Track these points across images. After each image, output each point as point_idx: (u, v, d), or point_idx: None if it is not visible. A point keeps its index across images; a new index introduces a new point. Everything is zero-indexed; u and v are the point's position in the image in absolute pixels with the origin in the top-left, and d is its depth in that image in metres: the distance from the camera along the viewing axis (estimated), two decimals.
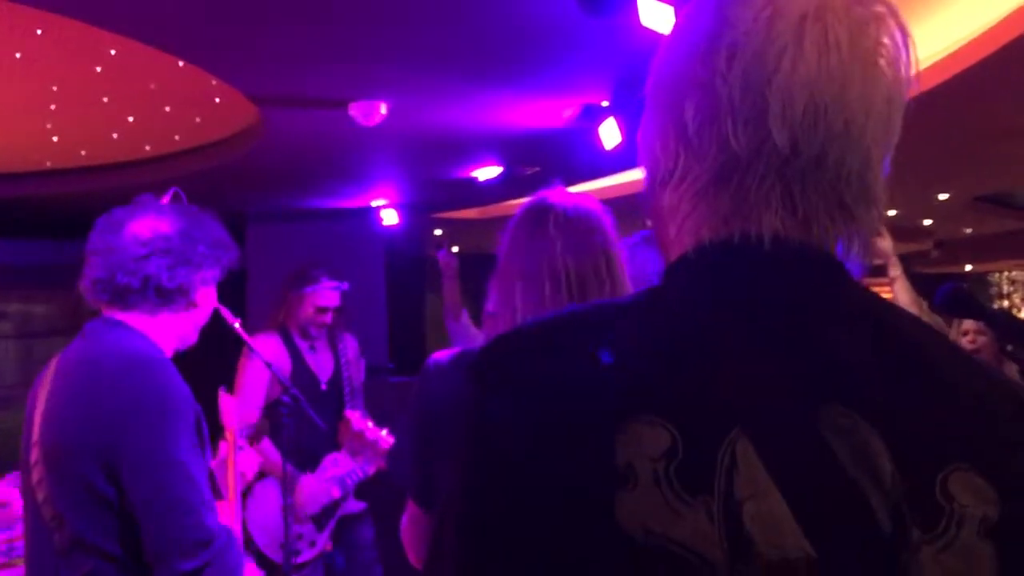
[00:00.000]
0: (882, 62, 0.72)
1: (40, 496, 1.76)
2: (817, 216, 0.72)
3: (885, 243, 3.89)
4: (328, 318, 3.84)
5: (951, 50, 5.26)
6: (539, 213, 1.63)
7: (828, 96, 0.69)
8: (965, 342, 4.73)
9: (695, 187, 0.75)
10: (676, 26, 0.79)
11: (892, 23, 0.73)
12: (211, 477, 1.87)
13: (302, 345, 3.83)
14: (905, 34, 0.74)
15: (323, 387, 3.82)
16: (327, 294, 3.84)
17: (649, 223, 0.84)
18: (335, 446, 3.55)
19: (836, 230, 0.73)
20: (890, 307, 0.75)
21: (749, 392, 0.67)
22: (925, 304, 3.65)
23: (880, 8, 0.73)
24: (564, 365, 0.70)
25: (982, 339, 4.69)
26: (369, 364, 6.81)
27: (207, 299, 1.96)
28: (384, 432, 2.97)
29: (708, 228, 0.75)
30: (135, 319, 1.88)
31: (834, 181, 0.71)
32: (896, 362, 0.70)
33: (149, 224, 1.87)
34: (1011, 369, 4.31)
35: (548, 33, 3.87)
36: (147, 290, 1.85)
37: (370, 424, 2.97)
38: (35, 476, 1.78)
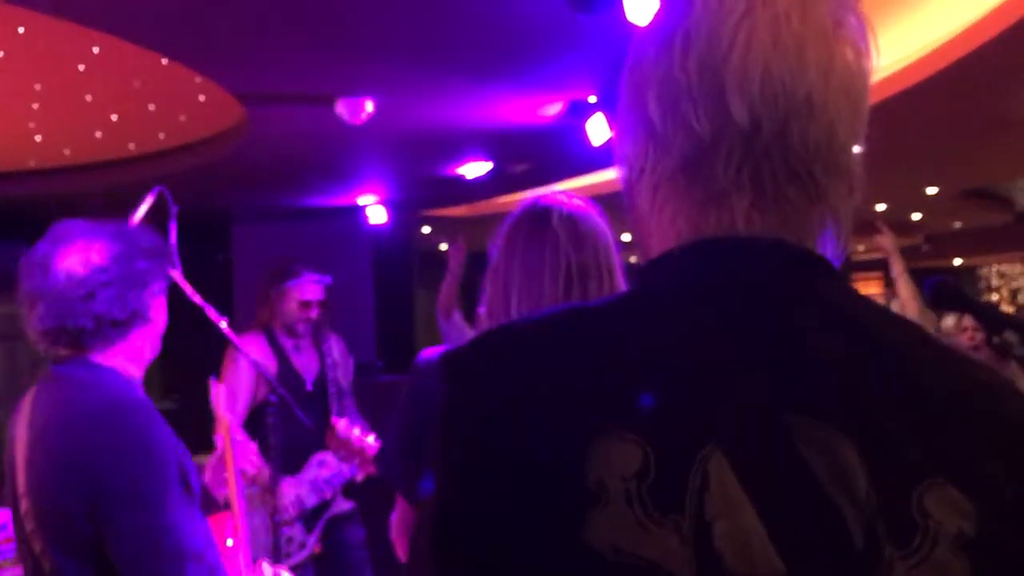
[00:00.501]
0: (840, 35, 0.71)
1: (36, 548, 1.72)
2: (789, 195, 0.71)
3: (886, 240, 3.88)
4: (313, 313, 3.82)
5: (938, 44, 5.28)
6: (541, 212, 1.64)
7: (785, 69, 0.69)
8: (964, 339, 4.74)
9: (666, 178, 0.74)
10: (636, 36, 0.79)
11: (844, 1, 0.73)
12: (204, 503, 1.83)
13: (287, 345, 3.81)
14: (858, 11, 0.73)
15: (308, 387, 3.80)
16: (309, 287, 3.82)
17: (628, 225, 0.82)
18: (322, 446, 3.52)
19: (810, 211, 0.72)
20: (868, 306, 0.73)
21: (724, 405, 0.65)
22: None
23: None
24: (538, 372, 0.69)
25: (981, 336, 4.69)
26: (357, 363, 6.78)
27: (159, 310, 1.91)
28: (371, 439, 2.95)
29: (684, 220, 0.74)
30: (98, 355, 1.82)
31: (800, 153, 0.70)
32: (874, 369, 0.67)
33: (79, 259, 1.79)
34: (1012, 367, 4.29)
35: (535, 29, 3.87)
36: (103, 327, 1.78)
37: (356, 431, 2.95)
38: (28, 527, 1.74)
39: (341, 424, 3.04)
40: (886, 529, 0.62)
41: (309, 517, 3.50)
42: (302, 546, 3.38)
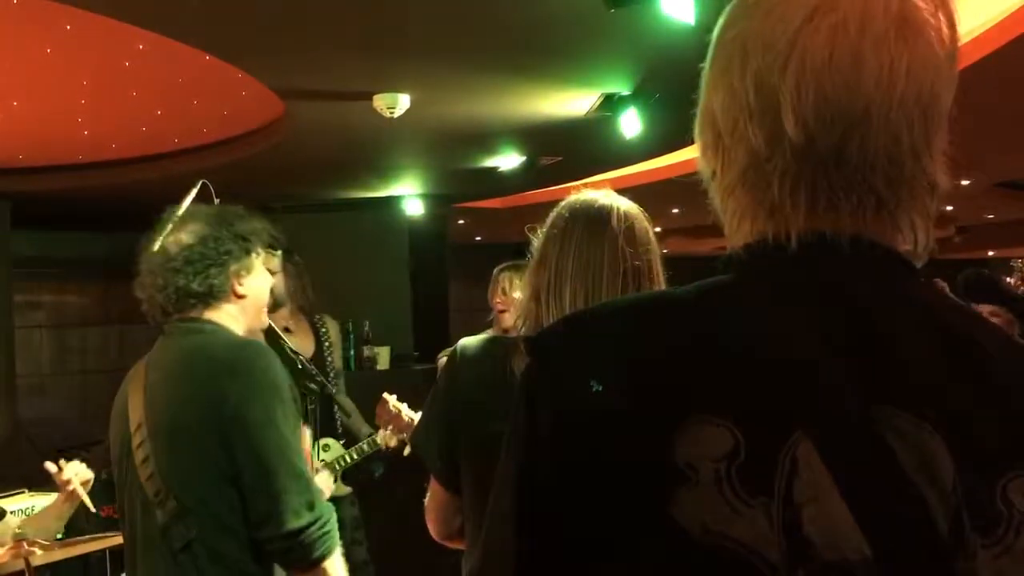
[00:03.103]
0: (907, 34, 0.69)
1: (144, 475, 1.91)
2: (845, 206, 0.71)
3: None
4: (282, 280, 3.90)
5: (972, 36, 5.25)
6: (600, 210, 1.71)
7: (840, 85, 0.68)
8: None
9: (731, 185, 0.76)
10: (712, 42, 0.79)
11: None
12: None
13: (279, 326, 3.89)
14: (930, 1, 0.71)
15: (299, 363, 3.88)
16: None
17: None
18: (328, 430, 3.67)
19: (873, 217, 0.72)
20: (949, 303, 0.74)
21: (811, 394, 0.66)
22: None
23: None
24: (625, 353, 0.70)
25: (1011, 331, 4.70)
26: (395, 352, 6.90)
27: (254, 286, 2.12)
28: (419, 415, 3.07)
29: (750, 222, 0.75)
30: (200, 315, 2.07)
31: (859, 167, 0.70)
32: (957, 364, 0.69)
33: (174, 239, 2.07)
34: None
35: (569, 23, 3.91)
36: (185, 296, 2.03)
37: (405, 406, 3.12)
38: (139, 457, 1.91)
39: (392, 399, 3.19)
40: (971, 519, 0.64)
41: None
42: None
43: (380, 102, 4.88)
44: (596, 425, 0.67)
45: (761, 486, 0.64)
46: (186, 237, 2.07)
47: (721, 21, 0.78)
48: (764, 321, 0.70)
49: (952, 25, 0.71)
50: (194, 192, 2.98)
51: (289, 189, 7.75)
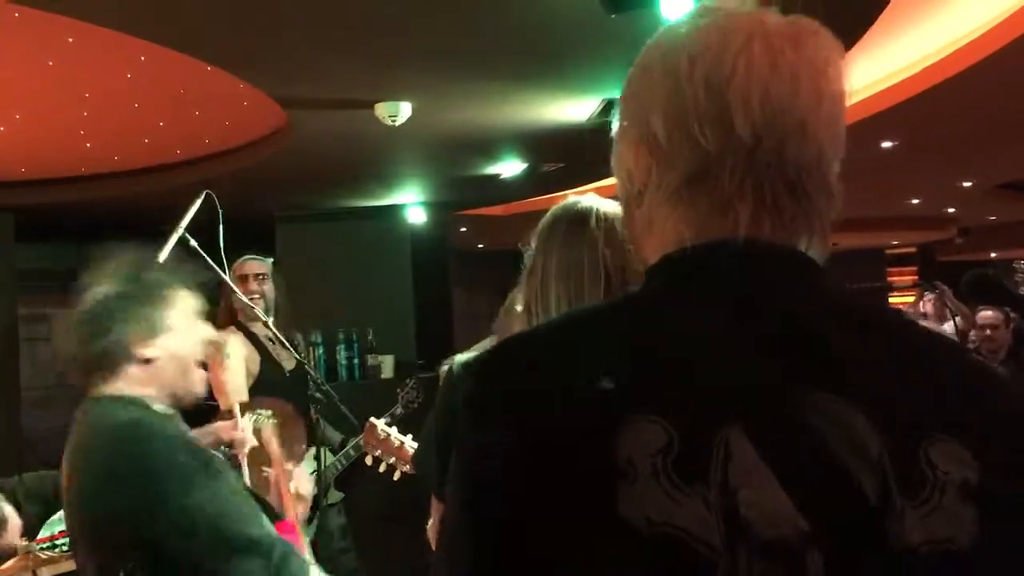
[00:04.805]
0: (828, 72, 0.79)
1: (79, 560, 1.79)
2: (784, 205, 0.78)
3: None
4: (264, 285, 3.92)
5: (974, 37, 5.26)
6: (580, 212, 1.68)
7: (783, 92, 0.77)
8: (982, 336, 4.74)
9: (671, 192, 0.80)
10: (637, 62, 0.87)
11: (826, 37, 0.81)
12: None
13: (261, 335, 3.90)
14: (838, 47, 0.81)
15: (287, 375, 3.91)
16: (251, 263, 3.95)
17: (626, 240, 0.90)
18: (316, 438, 3.68)
19: (802, 223, 0.79)
20: (858, 297, 0.81)
21: (740, 385, 0.72)
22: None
23: (812, 26, 0.81)
24: (564, 367, 0.74)
25: (1000, 333, 4.70)
26: (398, 360, 6.90)
27: (170, 346, 1.88)
28: (408, 438, 3.06)
29: (689, 228, 0.80)
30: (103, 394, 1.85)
31: (797, 170, 0.77)
32: (872, 346, 0.76)
33: (80, 303, 1.88)
34: None
35: (570, 29, 3.92)
36: (87, 366, 1.84)
37: (394, 431, 3.07)
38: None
39: (380, 423, 3.14)
40: (897, 484, 0.70)
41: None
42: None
43: (382, 110, 4.89)
44: (541, 440, 0.71)
45: (697, 475, 0.68)
46: (88, 298, 1.86)
47: (652, 42, 0.85)
48: (694, 322, 0.75)
49: (847, 72, 0.81)
50: (198, 203, 2.99)
51: (292, 198, 7.77)
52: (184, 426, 1.91)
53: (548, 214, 1.75)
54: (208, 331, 1.99)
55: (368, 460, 3.18)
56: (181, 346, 1.90)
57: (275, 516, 2.08)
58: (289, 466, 2.31)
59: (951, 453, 0.71)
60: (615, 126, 0.88)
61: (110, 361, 1.83)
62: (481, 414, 0.76)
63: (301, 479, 2.38)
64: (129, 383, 1.84)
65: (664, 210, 0.82)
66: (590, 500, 0.69)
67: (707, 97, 0.77)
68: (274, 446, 2.36)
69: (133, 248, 1.94)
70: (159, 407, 1.86)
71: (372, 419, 3.20)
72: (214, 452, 1.81)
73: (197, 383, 1.95)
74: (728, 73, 0.77)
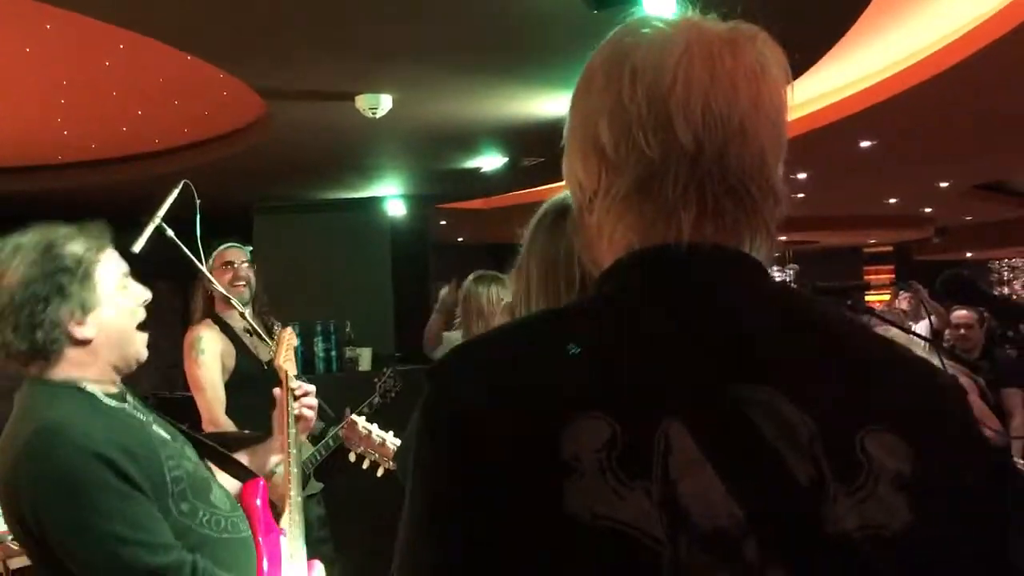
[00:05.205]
0: (765, 77, 0.82)
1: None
2: (727, 208, 0.80)
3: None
4: (245, 272, 3.86)
5: (950, 39, 5.31)
6: (559, 212, 1.64)
7: (722, 100, 0.79)
8: (956, 335, 4.79)
9: (620, 198, 0.82)
10: (583, 73, 0.89)
11: (764, 42, 0.84)
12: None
13: (237, 328, 3.86)
14: (777, 50, 0.84)
15: (264, 367, 3.87)
16: (234, 250, 3.89)
17: (580, 248, 0.92)
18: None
19: (746, 222, 0.82)
20: (797, 295, 0.85)
21: (680, 382, 0.75)
22: None
23: (751, 31, 0.84)
24: (513, 369, 0.78)
25: (974, 332, 4.75)
26: (376, 353, 6.89)
27: (105, 318, 1.78)
28: (390, 435, 3.05)
29: (636, 234, 0.82)
30: (41, 378, 1.76)
31: (739, 174, 0.80)
32: (805, 342, 0.79)
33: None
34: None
35: (552, 24, 3.93)
36: (17, 358, 1.74)
37: (375, 427, 3.06)
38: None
39: (361, 420, 3.13)
40: (832, 472, 0.72)
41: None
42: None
43: (362, 102, 4.87)
44: (491, 442, 0.74)
45: (639, 469, 0.71)
46: (5, 282, 1.71)
47: (596, 52, 0.87)
48: (638, 323, 0.79)
49: (788, 82, 0.84)
50: (176, 192, 2.96)
51: (271, 189, 7.73)
52: (129, 404, 1.82)
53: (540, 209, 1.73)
54: (141, 290, 1.86)
55: (352, 457, 3.17)
56: (116, 318, 1.79)
57: (246, 475, 2.03)
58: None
59: (886, 444, 0.74)
60: (565, 135, 0.89)
61: (45, 350, 1.72)
62: (433, 419, 0.78)
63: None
64: (69, 367, 1.74)
65: (613, 217, 0.84)
66: (538, 497, 0.72)
67: (649, 108, 0.80)
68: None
69: (36, 225, 1.79)
70: (95, 389, 1.77)
71: (353, 416, 3.19)
72: (137, 450, 1.70)
73: (141, 349, 1.83)
74: (669, 83, 0.79)
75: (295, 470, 2.15)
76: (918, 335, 3.01)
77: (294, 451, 2.15)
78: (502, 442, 0.74)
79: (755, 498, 0.71)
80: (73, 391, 1.75)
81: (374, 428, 3.09)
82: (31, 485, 1.63)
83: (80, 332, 1.73)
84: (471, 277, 3.69)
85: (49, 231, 1.77)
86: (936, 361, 2.27)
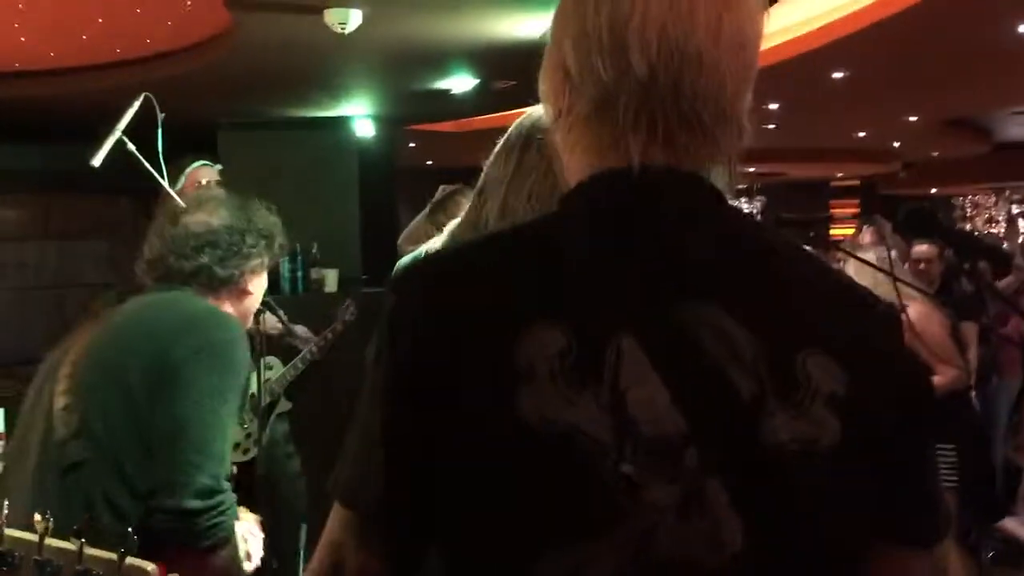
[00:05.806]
0: (730, 4, 0.82)
1: (59, 403, 1.76)
2: (680, 136, 0.82)
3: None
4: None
5: None
6: (527, 136, 1.61)
7: (679, 29, 0.80)
8: (916, 269, 4.86)
9: (580, 120, 0.85)
10: None
11: None
12: None
13: None
14: None
15: None
16: (206, 169, 3.82)
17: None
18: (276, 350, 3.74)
19: (698, 150, 0.83)
20: (747, 219, 0.88)
21: (633, 299, 0.79)
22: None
23: None
24: (474, 280, 0.82)
25: (933, 267, 4.82)
26: (343, 275, 6.87)
27: (258, 286, 2.08)
28: None
29: (594, 157, 0.85)
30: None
31: (692, 102, 0.81)
32: (751, 263, 0.83)
33: (202, 219, 1.99)
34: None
35: None
36: (199, 275, 1.94)
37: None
38: (61, 385, 1.78)
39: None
40: (771, 385, 0.77)
41: (263, 413, 3.62)
42: (257, 442, 3.51)
43: (331, 17, 4.77)
44: (451, 348, 0.79)
45: (590, 378, 0.76)
46: (214, 220, 1.98)
47: None
48: (594, 243, 0.82)
49: (761, 11, 0.85)
50: (136, 105, 2.90)
51: (235, 105, 7.59)
52: None
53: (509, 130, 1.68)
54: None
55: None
56: (260, 291, 2.09)
57: None
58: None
59: (823, 365, 0.78)
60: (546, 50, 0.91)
61: (226, 284, 1.97)
62: (396, 325, 0.82)
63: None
64: (218, 303, 1.96)
65: (573, 138, 0.87)
66: (492, 401, 0.76)
67: (609, 35, 0.82)
68: None
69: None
70: None
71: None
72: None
73: (247, 325, 2.07)
74: (628, 11, 0.81)
75: None
76: (879, 268, 3.06)
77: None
78: (460, 348, 0.78)
79: (698, 409, 0.76)
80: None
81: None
82: (203, 339, 1.81)
83: (250, 283, 2.02)
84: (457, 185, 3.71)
85: (246, 201, 2.06)
86: (895, 293, 2.31)
